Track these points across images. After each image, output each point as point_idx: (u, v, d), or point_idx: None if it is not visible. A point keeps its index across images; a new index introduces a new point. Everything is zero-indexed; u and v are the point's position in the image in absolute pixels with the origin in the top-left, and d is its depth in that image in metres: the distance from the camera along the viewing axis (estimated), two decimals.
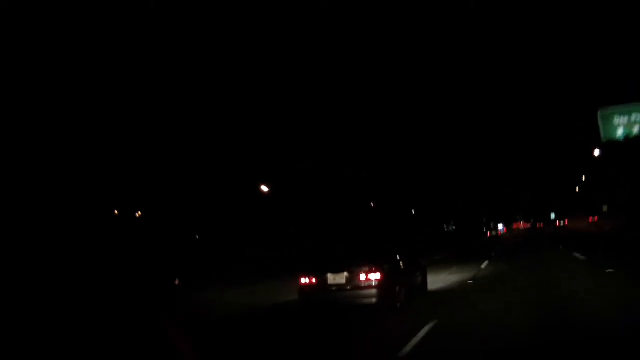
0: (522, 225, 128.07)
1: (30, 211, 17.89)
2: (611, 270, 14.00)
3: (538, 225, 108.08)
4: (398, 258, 12.05)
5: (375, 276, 10.30)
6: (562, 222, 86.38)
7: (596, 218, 72.93)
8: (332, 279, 10.56)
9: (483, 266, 20.54)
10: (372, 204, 44.16)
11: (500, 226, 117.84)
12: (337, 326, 10.05)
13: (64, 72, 20.39)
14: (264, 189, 28.86)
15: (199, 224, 28.02)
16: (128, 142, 23.24)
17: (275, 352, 8.18)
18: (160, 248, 18.68)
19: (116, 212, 24.08)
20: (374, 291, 10.23)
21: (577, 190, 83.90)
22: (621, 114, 32.64)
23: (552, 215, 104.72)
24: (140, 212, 25.99)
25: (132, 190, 24.58)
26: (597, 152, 46.78)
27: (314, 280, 10.73)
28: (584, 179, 74.92)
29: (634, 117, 31.88)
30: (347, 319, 10.33)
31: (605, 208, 64.02)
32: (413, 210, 58.26)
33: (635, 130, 32.00)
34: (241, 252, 24.52)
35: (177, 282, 14.58)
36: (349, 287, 10.40)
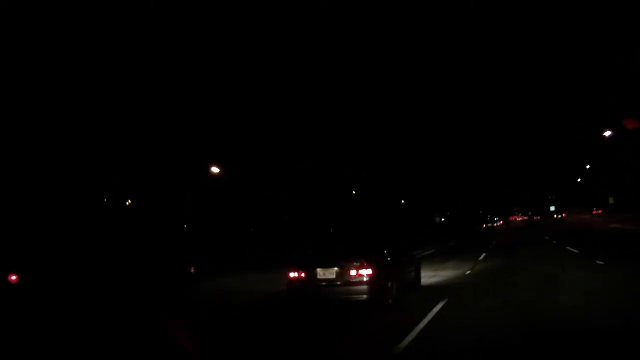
0: (518, 218, 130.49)
1: (30, 210, 18.27)
2: None
3: (535, 218, 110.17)
4: (390, 252, 12.54)
5: (366, 271, 10.78)
6: (560, 215, 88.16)
7: (600, 211, 74.34)
8: (322, 273, 11.04)
9: (478, 260, 21.21)
10: (353, 191, 45.03)
11: (496, 218, 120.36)
12: (331, 321, 10.50)
13: (64, 71, 20.75)
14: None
15: (201, 223, 28.86)
16: (128, 142, 23.74)
17: (273, 340, 8.78)
18: (166, 244, 19.45)
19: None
20: (364, 287, 10.73)
21: (579, 181, 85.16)
22: None
23: (552, 208, 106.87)
24: (129, 202, 26.73)
25: (132, 190, 25.16)
26: (607, 133, 46.45)
27: (302, 275, 11.20)
28: (587, 167, 75.55)
29: None
30: (339, 315, 10.81)
31: (611, 200, 64.43)
32: (402, 200, 59.07)
33: None
34: (242, 253, 25.50)
35: (192, 269, 15.68)
36: (338, 283, 10.89)
